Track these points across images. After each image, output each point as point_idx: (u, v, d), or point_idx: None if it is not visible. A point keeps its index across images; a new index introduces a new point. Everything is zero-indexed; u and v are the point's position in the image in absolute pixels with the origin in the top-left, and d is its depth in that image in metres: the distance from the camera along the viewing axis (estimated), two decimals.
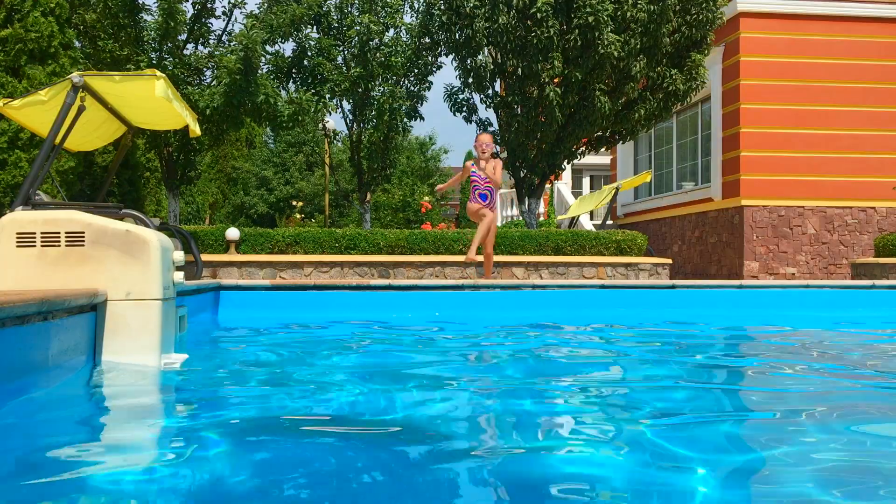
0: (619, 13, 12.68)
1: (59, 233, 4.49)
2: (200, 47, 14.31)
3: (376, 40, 15.37)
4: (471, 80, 14.24)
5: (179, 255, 4.93)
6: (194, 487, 2.75)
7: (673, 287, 9.11)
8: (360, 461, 2.72)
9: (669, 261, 12.47)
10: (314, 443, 3.03)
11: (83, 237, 4.48)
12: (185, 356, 4.84)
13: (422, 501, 2.28)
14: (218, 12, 14.18)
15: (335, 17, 15.86)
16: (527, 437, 3.02)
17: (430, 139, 35.82)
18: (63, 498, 2.44)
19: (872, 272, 12.37)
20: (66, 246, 4.46)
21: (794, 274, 15.25)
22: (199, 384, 4.45)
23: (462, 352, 6.04)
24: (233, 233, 11.50)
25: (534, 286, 8.75)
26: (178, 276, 4.90)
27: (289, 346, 6.80)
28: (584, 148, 14.81)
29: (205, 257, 10.59)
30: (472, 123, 15.12)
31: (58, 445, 3.04)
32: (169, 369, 4.57)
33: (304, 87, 15.18)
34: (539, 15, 12.51)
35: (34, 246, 4.43)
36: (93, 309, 4.33)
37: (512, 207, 22.45)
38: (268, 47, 14.55)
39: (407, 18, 21.34)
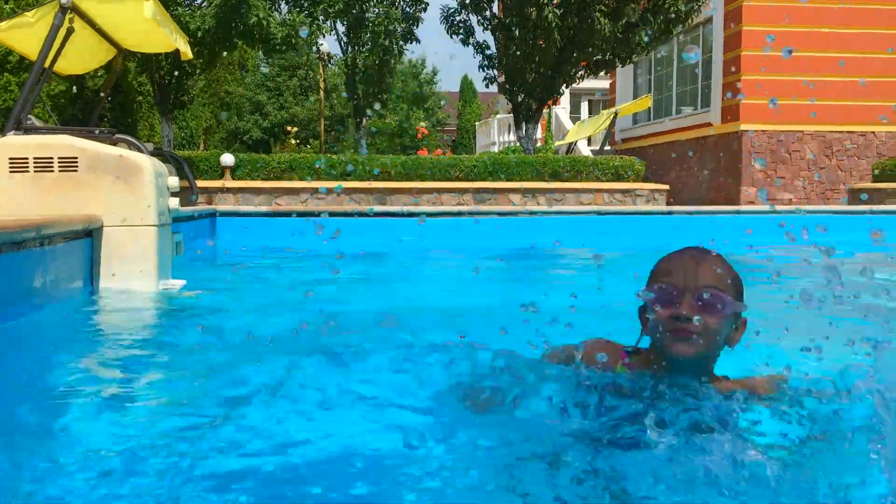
0: None
1: (52, 158, 4.44)
2: None
3: None
4: (468, 0, 13.92)
5: (174, 181, 4.90)
6: (191, 406, 2.80)
7: (670, 213, 9.10)
8: (353, 370, 2.75)
9: (667, 187, 12.44)
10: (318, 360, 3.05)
11: (76, 162, 4.44)
12: (183, 281, 4.85)
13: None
14: None
15: None
16: None
17: (422, 62, 35.22)
18: (59, 415, 2.48)
19: (870, 197, 12.36)
20: (60, 171, 4.42)
21: (791, 199, 15.23)
22: (197, 308, 4.47)
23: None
24: (227, 158, 11.40)
25: (531, 212, 8.74)
26: (174, 202, 4.87)
27: (284, 271, 6.82)
28: (583, 72, 14.57)
29: (200, 183, 10.52)
30: (469, 46, 14.85)
31: (55, 366, 3.08)
32: (167, 294, 4.59)
33: (297, 9, 14.82)
34: None
35: (27, 171, 4.39)
36: (88, 235, 4.32)
37: (509, 133, 22.25)
38: None
39: None
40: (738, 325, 1.96)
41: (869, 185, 12.93)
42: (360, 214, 8.57)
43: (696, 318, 1.86)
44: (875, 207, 9.49)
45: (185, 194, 9.27)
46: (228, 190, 11.04)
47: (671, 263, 1.96)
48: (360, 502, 1.76)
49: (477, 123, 26.12)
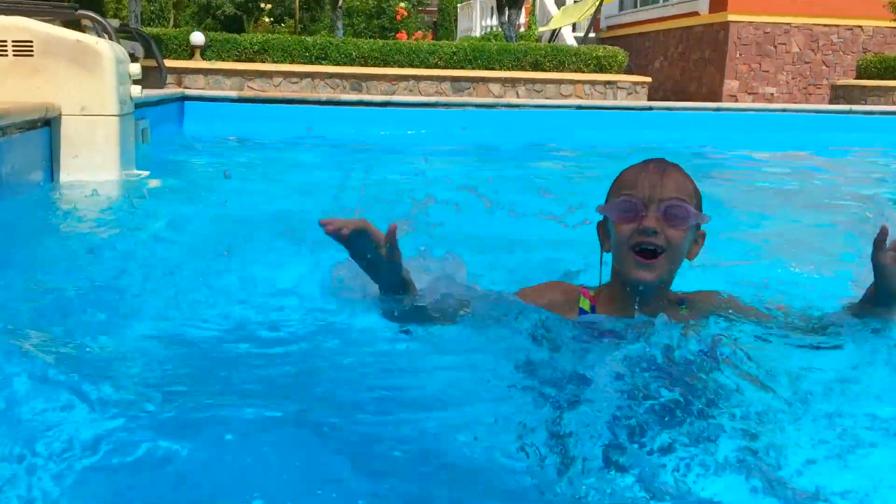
0: None
1: (5, 41, 4.22)
2: None
3: None
4: None
5: (136, 68, 4.70)
6: (149, 291, 2.79)
7: (650, 108, 8.97)
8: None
9: (648, 79, 12.19)
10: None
11: (31, 47, 4.23)
12: (147, 172, 4.75)
13: None
14: None
15: None
16: None
17: None
18: (13, 303, 2.47)
19: (852, 94, 12.22)
20: (14, 56, 4.22)
21: (773, 94, 15.06)
22: (160, 200, 4.38)
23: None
24: (197, 38, 10.98)
25: (508, 105, 8.56)
26: (136, 89, 4.69)
27: (254, 161, 6.70)
28: None
29: (169, 63, 10.14)
30: None
31: (12, 256, 3.04)
32: (129, 186, 4.49)
33: None
34: None
35: None
36: (46, 124, 4.17)
37: (491, 17, 21.57)
38: None
39: None
40: (697, 238, 1.92)
41: (852, 81, 12.77)
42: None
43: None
44: (855, 108, 9.40)
45: (154, 74, 8.97)
46: (198, 71, 10.68)
47: (633, 175, 1.88)
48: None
49: (458, 5, 25.28)
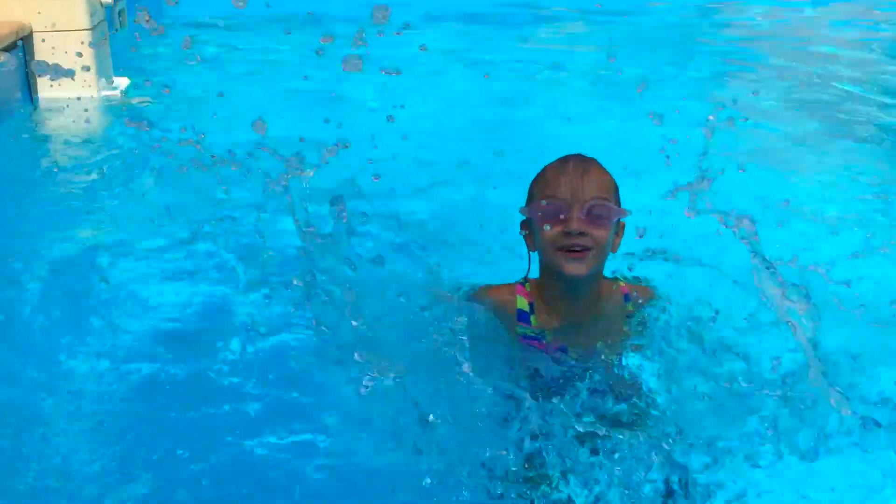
0: None
1: None
2: None
3: None
4: None
5: None
6: (133, 210, 2.95)
7: None
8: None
9: None
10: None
11: None
12: (127, 81, 4.77)
13: None
14: None
15: None
16: None
17: None
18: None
19: None
20: None
21: None
22: (140, 115, 4.42)
23: None
24: None
25: None
26: None
27: (237, 48, 6.51)
28: None
29: None
30: None
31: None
32: (110, 98, 4.53)
33: None
34: None
35: None
36: (20, 44, 4.17)
37: None
38: None
39: None
40: (617, 231, 1.94)
41: None
42: None
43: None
44: None
45: None
46: None
47: (553, 176, 1.89)
48: None
49: None
